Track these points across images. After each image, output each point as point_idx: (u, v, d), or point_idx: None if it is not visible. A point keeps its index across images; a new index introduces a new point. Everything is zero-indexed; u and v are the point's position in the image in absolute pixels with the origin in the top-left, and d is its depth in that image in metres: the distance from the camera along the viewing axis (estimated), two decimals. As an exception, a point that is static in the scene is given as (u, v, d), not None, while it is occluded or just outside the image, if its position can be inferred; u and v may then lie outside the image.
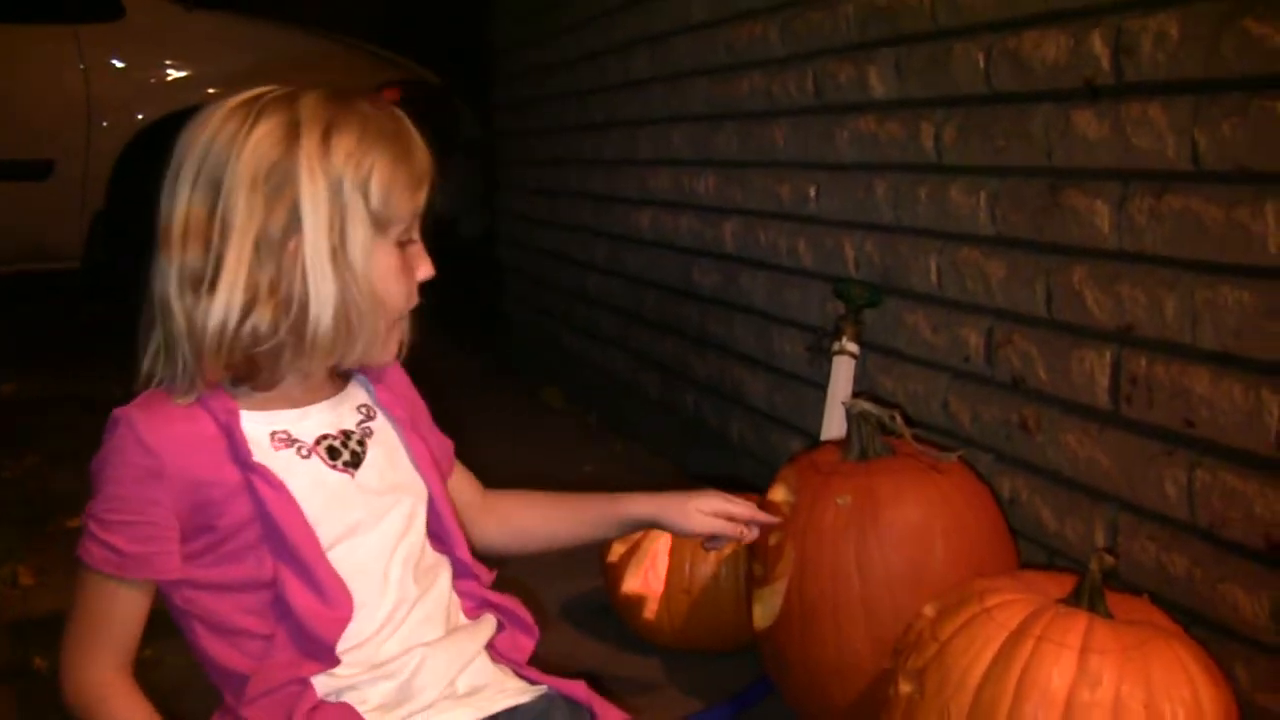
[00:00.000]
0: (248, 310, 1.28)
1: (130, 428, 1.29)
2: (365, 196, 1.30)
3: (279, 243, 1.28)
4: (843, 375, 2.49)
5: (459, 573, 1.49)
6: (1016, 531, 2.08)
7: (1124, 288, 1.86)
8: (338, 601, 1.32)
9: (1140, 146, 1.80)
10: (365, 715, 1.33)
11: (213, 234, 1.28)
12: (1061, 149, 1.97)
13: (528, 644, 1.52)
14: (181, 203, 1.29)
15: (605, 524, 1.74)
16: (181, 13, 4.85)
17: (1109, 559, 1.57)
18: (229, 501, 1.30)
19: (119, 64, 4.86)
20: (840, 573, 1.87)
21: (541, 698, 1.44)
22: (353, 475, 1.40)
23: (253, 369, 1.34)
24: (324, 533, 1.34)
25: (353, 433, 1.43)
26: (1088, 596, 1.56)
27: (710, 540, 1.78)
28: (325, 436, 1.40)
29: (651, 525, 1.76)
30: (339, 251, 1.29)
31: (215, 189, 1.28)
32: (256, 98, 1.32)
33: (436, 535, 1.48)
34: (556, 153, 4.81)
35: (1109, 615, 1.55)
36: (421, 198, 1.38)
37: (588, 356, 4.53)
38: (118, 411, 1.31)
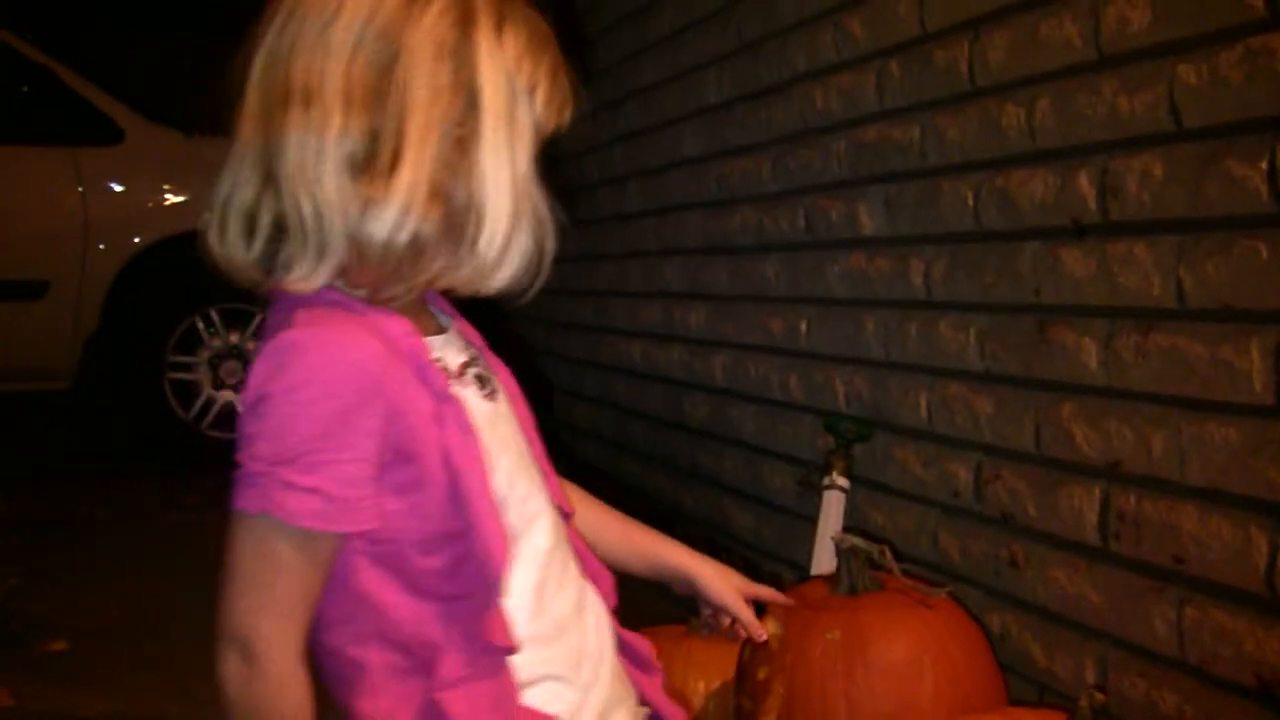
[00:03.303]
0: (425, 209, 1.05)
1: (322, 348, 1.02)
2: (531, 102, 1.10)
3: (455, 135, 1.06)
4: (833, 510, 2.49)
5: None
6: (1006, 667, 2.06)
7: (1112, 424, 1.87)
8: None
9: (1126, 284, 1.83)
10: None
11: (384, 107, 1.03)
12: (1049, 286, 2.00)
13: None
14: (340, 57, 1.03)
15: (643, 558, 1.52)
16: (181, 138, 4.91)
17: (1099, 696, 1.56)
18: (422, 433, 1.06)
19: (117, 187, 4.91)
20: (829, 708, 1.84)
21: None
22: (495, 402, 1.19)
23: (389, 281, 1.08)
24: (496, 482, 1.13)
25: (477, 358, 1.21)
26: (1078, 734, 1.55)
27: (704, 623, 1.61)
28: (468, 364, 1.18)
29: (683, 578, 1.54)
30: (514, 156, 1.09)
31: (390, 50, 1.04)
32: None
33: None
34: (549, 284, 4.84)
35: (1100, 753, 1.53)
36: (561, 122, 1.16)
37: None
38: (290, 335, 1.02)
